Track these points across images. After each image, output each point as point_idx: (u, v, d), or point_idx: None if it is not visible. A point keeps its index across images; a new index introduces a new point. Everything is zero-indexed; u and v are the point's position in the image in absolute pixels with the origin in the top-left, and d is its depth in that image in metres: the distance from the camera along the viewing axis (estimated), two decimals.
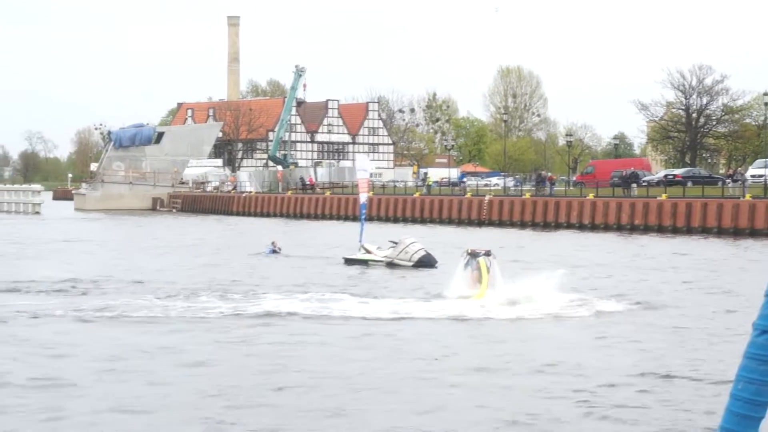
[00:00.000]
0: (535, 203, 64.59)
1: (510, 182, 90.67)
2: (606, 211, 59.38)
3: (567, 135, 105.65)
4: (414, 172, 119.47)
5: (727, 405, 3.43)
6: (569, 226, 60.33)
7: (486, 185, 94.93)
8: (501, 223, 64.25)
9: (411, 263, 33.34)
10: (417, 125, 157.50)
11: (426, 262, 33.23)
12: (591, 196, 63.20)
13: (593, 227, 58.76)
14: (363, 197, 39.03)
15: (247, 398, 14.02)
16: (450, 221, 68.18)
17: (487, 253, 25.12)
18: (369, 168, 43.27)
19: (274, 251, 39.57)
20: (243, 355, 17.56)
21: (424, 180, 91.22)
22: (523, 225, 62.79)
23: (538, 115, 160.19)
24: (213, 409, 13.35)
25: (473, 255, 25.04)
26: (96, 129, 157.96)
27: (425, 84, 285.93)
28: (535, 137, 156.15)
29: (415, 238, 36.23)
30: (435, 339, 19.43)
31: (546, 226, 61.56)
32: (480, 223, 65.52)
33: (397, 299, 24.78)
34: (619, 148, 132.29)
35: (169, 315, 22.19)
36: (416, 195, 76.36)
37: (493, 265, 24.71)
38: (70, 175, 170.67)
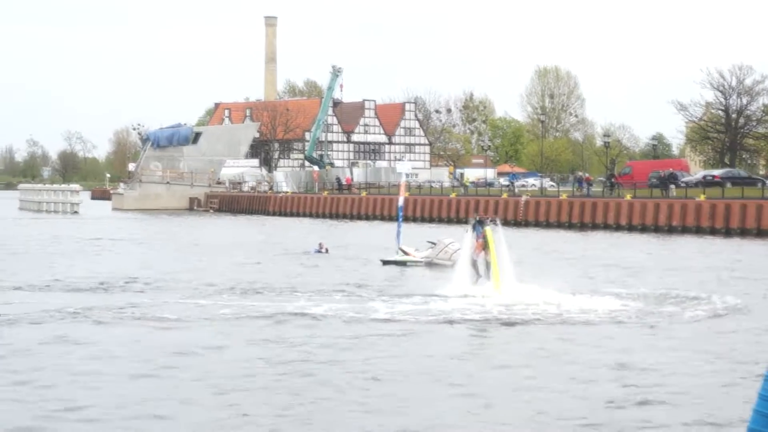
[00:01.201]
0: (571, 204, 64.25)
1: (547, 183, 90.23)
2: (643, 212, 58.97)
3: (604, 136, 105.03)
4: (450, 173, 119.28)
5: (755, 406, 3.35)
6: (606, 226, 59.98)
7: (522, 186, 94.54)
8: (537, 224, 63.97)
9: (451, 263, 33.36)
10: (453, 126, 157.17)
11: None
12: (628, 197, 62.77)
13: (630, 228, 58.38)
14: (401, 200, 39.65)
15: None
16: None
17: (493, 221, 26.42)
18: (404, 170, 44.01)
19: (319, 251, 40.00)
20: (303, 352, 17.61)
21: (460, 180, 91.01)
22: (559, 226, 62.50)
23: (576, 116, 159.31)
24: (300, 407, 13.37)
25: (480, 222, 26.03)
26: (134, 129, 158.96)
27: (462, 84, 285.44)
28: (573, 138, 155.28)
29: (453, 238, 36.32)
30: (485, 342, 19.33)
31: (583, 227, 61.23)
32: (516, 224, 65.25)
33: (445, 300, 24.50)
34: (657, 148, 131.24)
35: (235, 314, 22.29)
36: (452, 195, 76.20)
37: (498, 233, 25.51)
38: (108, 175, 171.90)
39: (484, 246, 25.46)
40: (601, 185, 78.99)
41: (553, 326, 20.82)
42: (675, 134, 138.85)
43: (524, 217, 66.00)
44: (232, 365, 16.43)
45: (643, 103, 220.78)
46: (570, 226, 62.05)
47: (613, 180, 72.93)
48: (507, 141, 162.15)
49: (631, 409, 13.44)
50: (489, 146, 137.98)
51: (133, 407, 13.48)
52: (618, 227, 59.19)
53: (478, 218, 26.62)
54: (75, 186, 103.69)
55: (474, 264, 26.24)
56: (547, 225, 63.35)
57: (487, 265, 25.50)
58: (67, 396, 14.19)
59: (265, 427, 12.59)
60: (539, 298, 23.73)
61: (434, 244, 35.70)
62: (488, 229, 25.58)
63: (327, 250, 40.20)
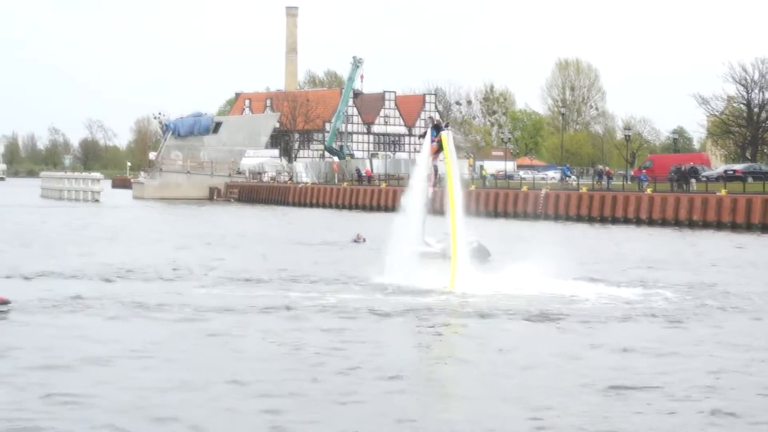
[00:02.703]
0: (591, 197, 64.14)
1: (555, 175, 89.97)
2: (664, 207, 58.83)
3: (625, 129, 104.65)
4: (470, 165, 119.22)
5: None
6: (626, 220, 59.90)
7: (542, 179, 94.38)
8: (557, 217, 63.90)
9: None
10: (473, 117, 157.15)
11: (477, 254, 33.24)
12: (649, 190, 62.61)
13: (650, 222, 58.28)
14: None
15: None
16: (506, 214, 67.91)
17: (446, 126, 26.65)
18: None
19: (356, 241, 40.42)
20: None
21: (480, 172, 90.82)
22: (579, 219, 62.41)
23: (596, 109, 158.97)
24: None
25: (437, 127, 26.17)
26: (155, 118, 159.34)
27: (482, 76, 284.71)
28: (593, 131, 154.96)
29: (470, 230, 36.25)
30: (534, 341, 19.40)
31: (603, 220, 61.14)
32: (536, 217, 65.21)
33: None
34: (678, 142, 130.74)
35: (285, 303, 22.48)
36: (471, 188, 76.15)
37: (450, 138, 25.77)
38: (128, 164, 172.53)
39: (438, 149, 25.72)
40: (622, 178, 78.80)
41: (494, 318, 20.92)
42: (696, 128, 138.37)
43: (544, 210, 65.93)
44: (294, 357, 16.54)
45: (665, 97, 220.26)
46: (590, 219, 61.95)
47: (603, 174, 72.40)
48: (527, 133, 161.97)
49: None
50: (509, 139, 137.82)
51: (160, 403, 13.62)
52: (638, 221, 59.07)
53: (435, 122, 26.91)
54: (96, 174, 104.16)
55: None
56: (567, 218, 63.26)
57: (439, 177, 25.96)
58: (81, 385, 14.33)
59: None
60: (494, 289, 24.21)
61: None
62: (444, 133, 25.69)
63: (364, 240, 40.58)
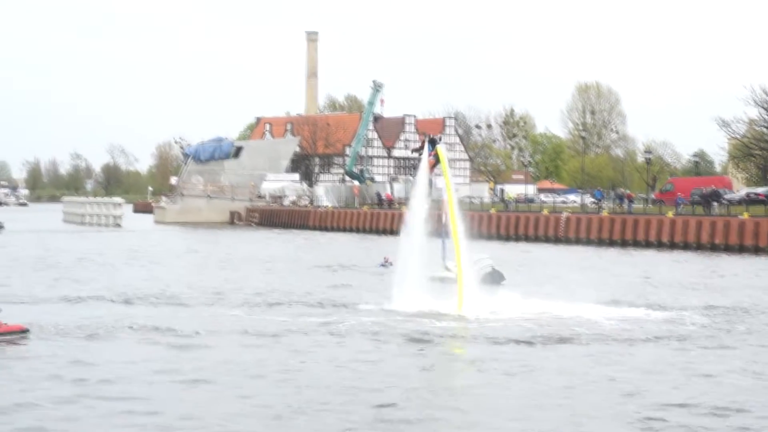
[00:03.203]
0: (613, 221, 63.94)
1: (588, 199, 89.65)
2: (685, 230, 58.57)
3: (646, 152, 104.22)
4: (490, 188, 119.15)
5: None
6: (648, 244, 59.64)
7: (563, 202, 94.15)
8: (578, 241, 63.70)
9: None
10: (494, 141, 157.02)
11: (490, 279, 33.49)
12: (670, 214, 62.38)
13: (672, 245, 58.01)
14: (444, 217, 39.56)
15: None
16: (526, 238, 67.74)
17: (439, 139, 27.93)
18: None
19: (383, 265, 40.48)
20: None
21: (501, 196, 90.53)
22: (600, 243, 62.18)
23: (617, 132, 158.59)
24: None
25: (432, 141, 27.26)
26: (176, 143, 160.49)
27: (502, 100, 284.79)
28: (614, 154, 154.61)
29: (487, 255, 36.40)
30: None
31: (624, 244, 60.90)
32: (557, 240, 65.05)
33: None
34: (700, 165, 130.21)
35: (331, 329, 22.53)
36: (492, 211, 76.05)
37: (445, 151, 27.05)
38: (150, 188, 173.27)
39: (435, 163, 26.85)
40: (643, 202, 78.40)
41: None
42: (717, 151, 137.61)
43: (565, 233, 65.76)
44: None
45: (686, 120, 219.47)
46: (611, 243, 61.73)
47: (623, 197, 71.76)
48: (547, 157, 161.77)
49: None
50: (529, 162, 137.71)
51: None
52: (660, 244, 58.81)
53: (431, 136, 27.87)
54: (117, 199, 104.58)
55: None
56: (588, 242, 63.05)
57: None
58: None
59: None
60: (503, 311, 24.40)
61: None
62: (440, 147, 26.80)
63: (392, 264, 40.67)
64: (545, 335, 21.56)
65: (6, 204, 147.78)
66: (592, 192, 74.89)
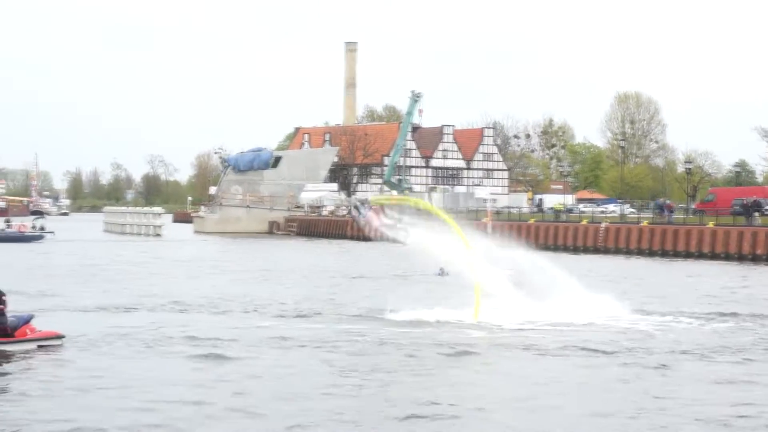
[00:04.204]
0: (652, 231, 63.53)
1: (627, 209, 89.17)
2: (726, 240, 58.06)
3: (686, 162, 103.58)
4: (529, 198, 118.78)
5: None
6: (688, 254, 59.18)
7: (602, 212, 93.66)
8: (617, 251, 63.35)
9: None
10: (532, 151, 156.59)
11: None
12: (711, 224, 61.88)
13: (713, 256, 57.52)
14: (488, 227, 39.92)
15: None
16: (565, 248, 67.46)
17: (365, 200, 28.84)
18: (483, 195, 44.39)
19: (440, 274, 40.58)
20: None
21: (539, 205, 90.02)
22: (640, 253, 61.81)
23: (656, 142, 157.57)
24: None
25: (360, 204, 28.24)
26: (215, 153, 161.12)
27: (541, 109, 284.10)
28: (653, 164, 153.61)
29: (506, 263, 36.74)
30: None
31: (664, 254, 60.49)
32: (596, 251, 64.73)
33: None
34: (741, 175, 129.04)
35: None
36: (531, 221, 75.81)
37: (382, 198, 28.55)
38: (189, 198, 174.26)
39: (380, 209, 27.95)
40: (683, 212, 77.76)
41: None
42: (759, 161, 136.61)
43: (604, 243, 65.43)
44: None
45: (727, 130, 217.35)
46: (651, 253, 61.34)
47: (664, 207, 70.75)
48: (586, 167, 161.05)
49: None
50: (568, 172, 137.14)
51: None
52: (700, 255, 58.34)
53: (359, 201, 29.04)
54: (158, 209, 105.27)
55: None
56: (628, 252, 62.70)
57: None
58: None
59: None
60: (514, 321, 24.77)
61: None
62: (373, 198, 28.63)
63: (448, 273, 40.70)
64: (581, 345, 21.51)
65: (48, 213, 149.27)
66: (654, 203, 73.02)
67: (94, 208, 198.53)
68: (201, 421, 14.27)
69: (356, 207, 28.20)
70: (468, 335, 23.24)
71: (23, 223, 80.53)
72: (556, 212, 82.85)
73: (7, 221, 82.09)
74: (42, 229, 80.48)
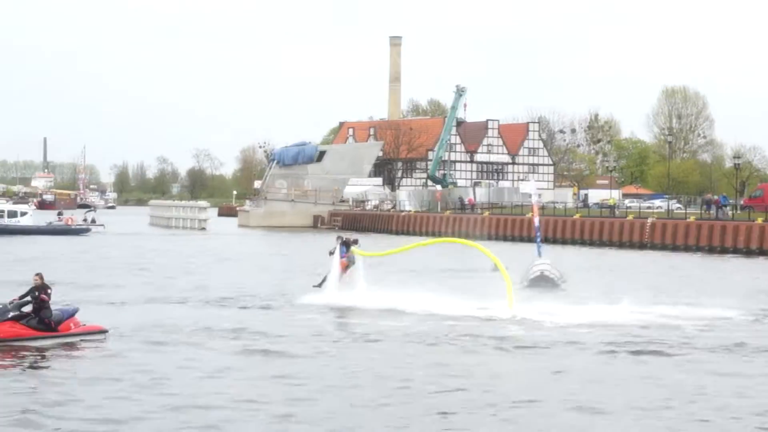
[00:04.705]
0: (699, 227, 62.84)
1: (674, 205, 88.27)
2: None
3: (734, 157, 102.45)
4: (574, 194, 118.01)
5: None
6: (736, 251, 58.48)
7: (648, 208, 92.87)
8: (663, 247, 62.76)
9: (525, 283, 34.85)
10: (578, 146, 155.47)
11: (537, 283, 34.78)
12: (760, 220, 61.09)
13: (761, 252, 56.80)
14: (536, 221, 39.68)
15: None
16: (611, 244, 66.95)
17: (355, 242, 29.39)
18: (531, 190, 44.05)
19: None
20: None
21: (584, 201, 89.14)
22: (687, 249, 61.19)
23: (704, 137, 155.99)
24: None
25: (346, 243, 29.01)
26: (260, 147, 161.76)
27: (587, 104, 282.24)
28: (701, 159, 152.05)
29: (548, 261, 36.68)
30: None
31: (711, 250, 59.82)
32: (642, 246, 64.16)
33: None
34: None
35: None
36: (576, 216, 75.31)
37: (358, 253, 28.83)
38: (234, 192, 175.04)
39: (348, 265, 28.79)
40: (732, 208, 76.67)
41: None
42: None
43: (650, 239, 64.85)
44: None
45: None
46: (698, 249, 60.68)
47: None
48: (632, 162, 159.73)
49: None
50: (614, 167, 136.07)
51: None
52: (748, 251, 57.62)
53: (344, 239, 29.31)
54: (203, 203, 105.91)
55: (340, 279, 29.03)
56: (674, 248, 62.09)
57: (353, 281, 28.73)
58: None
59: None
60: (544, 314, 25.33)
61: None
62: (354, 249, 28.77)
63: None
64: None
65: (95, 207, 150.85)
66: (716, 199, 71.22)
67: (140, 202, 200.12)
68: (244, 416, 14.25)
69: (345, 243, 29.00)
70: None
71: (71, 216, 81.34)
72: (611, 207, 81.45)
73: (60, 213, 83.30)
74: (93, 222, 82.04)
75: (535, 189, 45.27)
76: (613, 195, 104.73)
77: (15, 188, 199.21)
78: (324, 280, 29.76)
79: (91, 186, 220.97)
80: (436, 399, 15.45)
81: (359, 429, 13.63)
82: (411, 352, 20.11)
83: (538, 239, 38.97)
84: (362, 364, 18.57)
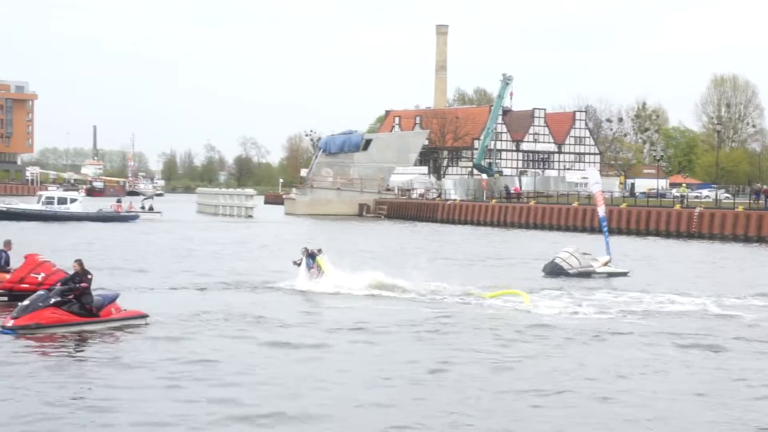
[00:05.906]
0: (748, 216, 62.21)
1: (722, 195, 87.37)
2: None
3: None
4: (621, 183, 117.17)
5: None
6: None
7: (696, 197, 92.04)
8: (711, 237, 62.21)
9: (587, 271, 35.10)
10: (625, 135, 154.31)
11: (548, 270, 35.30)
12: None
13: None
14: (601, 210, 39.11)
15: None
16: (657, 233, 66.48)
17: (319, 251, 29.75)
18: (600, 180, 42.94)
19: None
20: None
21: (631, 190, 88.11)
22: (735, 239, 60.61)
23: (753, 126, 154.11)
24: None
25: (311, 255, 29.38)
26: (306, 135, 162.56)
27: (635, 93, 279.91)
28: (750, 148, 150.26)
29: (573, 247, 36.68)
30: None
31: (760, 240, 59.22)
32: (689, 236, 63.65)
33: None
34: None
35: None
36: (623, 206, 74.80)
37: (325, 258, 29.35)
38: (281, 180, 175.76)
39: (317, 274, 29.12)
40: None
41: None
42: None
43: (698, 229, 64.31)
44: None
45: None
46: (746, 239, 60.09)
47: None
48: (680, 151, 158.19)
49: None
50: (662, 156, 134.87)
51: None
52: None
53: (309, 251, 29.75)
54: (249, 191, 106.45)
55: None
56: (722, 238, 61.53)
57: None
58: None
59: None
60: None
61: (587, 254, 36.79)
62: (320, 258, 29.28)
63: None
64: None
65: (144, 194, 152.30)
66: (765, 189, 69.65)
67: (188, 189, 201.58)
68: (281, 404, 14.38)
69: (311, 255, 29.37)
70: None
71: (119, 203, 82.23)
72: (681, 197, 79.40)
73: (119, 200, 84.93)
74: (151, 209, 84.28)
75: (598, 177, 42.78)
76: (651, 185, 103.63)
77: (65, 175, 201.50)
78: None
79: (140, 173, 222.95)
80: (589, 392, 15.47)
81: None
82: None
83: (605, 230, 38.46)
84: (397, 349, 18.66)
